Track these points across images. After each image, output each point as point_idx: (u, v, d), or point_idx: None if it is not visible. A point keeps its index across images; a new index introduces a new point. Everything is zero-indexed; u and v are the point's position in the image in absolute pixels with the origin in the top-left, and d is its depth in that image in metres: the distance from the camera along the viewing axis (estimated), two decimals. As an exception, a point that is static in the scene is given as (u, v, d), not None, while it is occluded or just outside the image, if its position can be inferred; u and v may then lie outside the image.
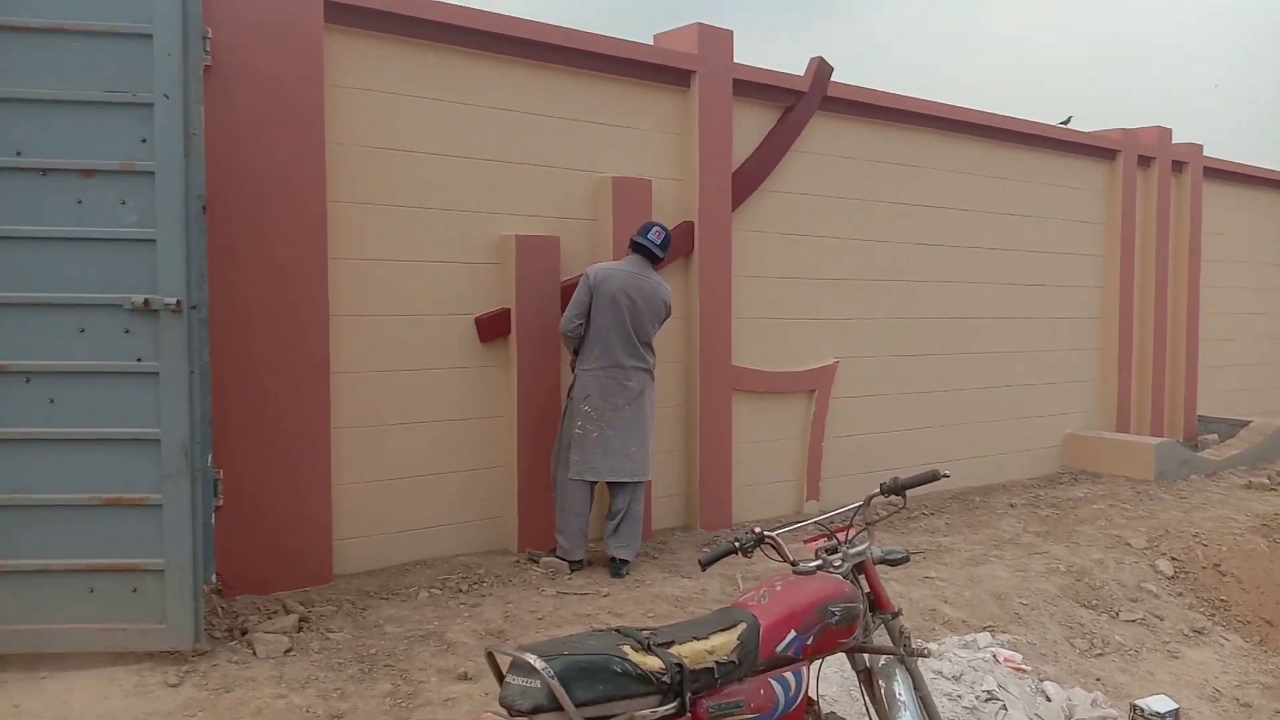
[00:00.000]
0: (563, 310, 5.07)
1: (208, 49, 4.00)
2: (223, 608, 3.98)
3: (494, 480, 5.16)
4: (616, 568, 4.88)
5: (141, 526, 3.45)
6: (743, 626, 2.24)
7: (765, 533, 2.55)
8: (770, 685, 2.26)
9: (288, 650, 3.66)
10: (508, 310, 5.11)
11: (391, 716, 3.24)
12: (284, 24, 4.29)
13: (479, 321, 5.07)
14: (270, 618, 3.95)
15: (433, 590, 4.47)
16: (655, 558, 5.21)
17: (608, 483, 4.93)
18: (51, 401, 3.41)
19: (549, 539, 5.05)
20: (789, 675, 2.31)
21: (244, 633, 3.79)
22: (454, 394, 5.01)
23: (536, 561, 4.91)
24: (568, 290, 5.15)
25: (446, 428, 4.99)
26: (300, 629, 3.87)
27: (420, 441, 4.89)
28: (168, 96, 3.37)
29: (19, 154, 3.35)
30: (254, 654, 3.62)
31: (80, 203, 3.38)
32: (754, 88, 6.02)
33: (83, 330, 3.40)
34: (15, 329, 3.38)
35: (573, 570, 4.86)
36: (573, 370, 5.04)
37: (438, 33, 4.84)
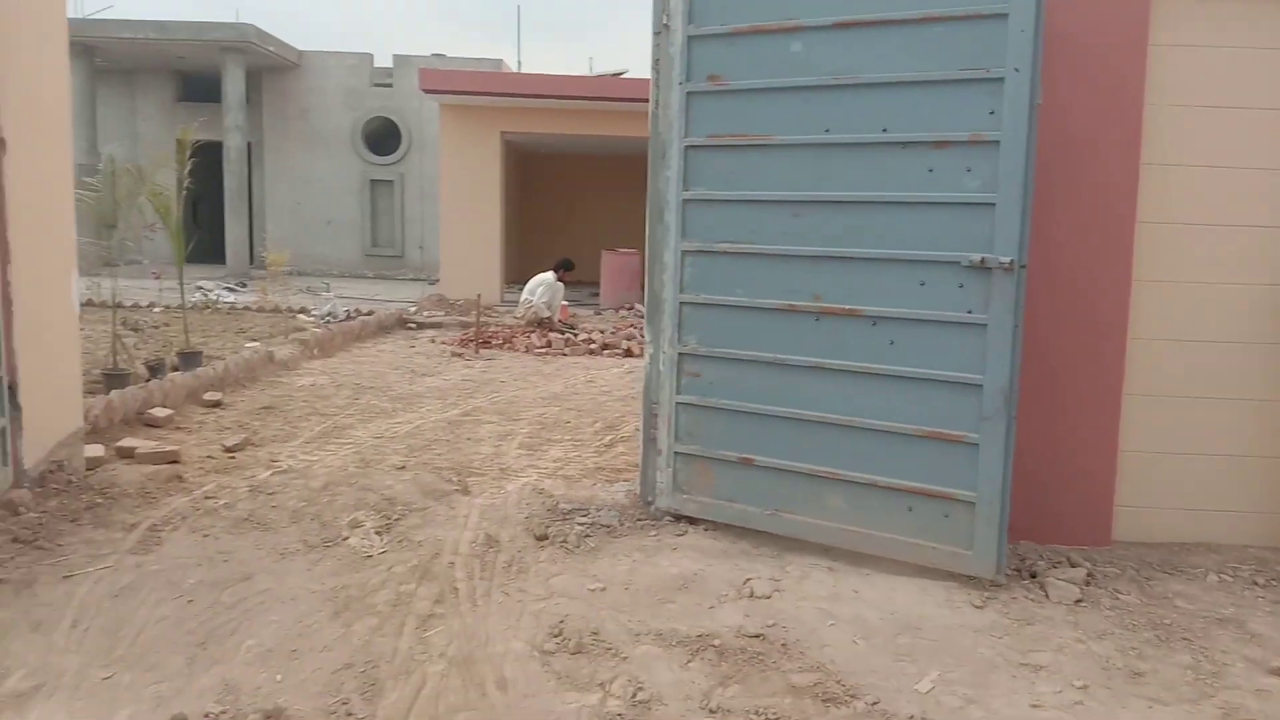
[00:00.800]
0: None
1: (1038, 20, 4.21)
2: (1008, 548, 4.27)
3: (1300, 472, 4.62)
4: None
5: (957, 460, 3.87)
6: None
7: None
8: None
9: (1078, 600, 3.80)
10: (1337, 282, 4.49)
11: (1194, 689, 3.17)
12: (1115, -12, 4.30)
13: (1298, 294, 4.55)
14: (1055, 566, 4.13)
15: (1222, 575, 4.21)
16: None
17: None
18: (891, 343, 3.99)
19: (1369, 548, 4.38)
20: None
21: (1033, 575, 4.03)
22: (1262, 372, 4.58)
23: (1353, 571, 4.29)
24: None
25: (1249, 408, 4.59)
26: (1088, 583, 3.97)
27: (1218, 419, 4.58)
28: (1018, 70, 3.65)
29: (884, 130, 3.95)
30: (1046, 596, 3.83)
31: (931, 171, 3.86)
32: None
33: (922, 284, 3.90)
34: (868, 280, 4.02)
35: (1403, 590, 4.15)
36: None
37: (1283, -27, 4.39)
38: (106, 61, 21.01)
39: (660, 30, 4.33)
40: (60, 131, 5.13)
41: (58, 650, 3.21)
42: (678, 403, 4.46)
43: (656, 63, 4.35)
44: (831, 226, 4.06)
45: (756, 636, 3.38)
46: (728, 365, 4.34)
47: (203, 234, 20.50)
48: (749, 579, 3.85)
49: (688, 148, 4.30)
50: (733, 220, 4.27)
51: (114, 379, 7.02)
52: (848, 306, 4.05)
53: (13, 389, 4.38)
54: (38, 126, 4.74)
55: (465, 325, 12.70)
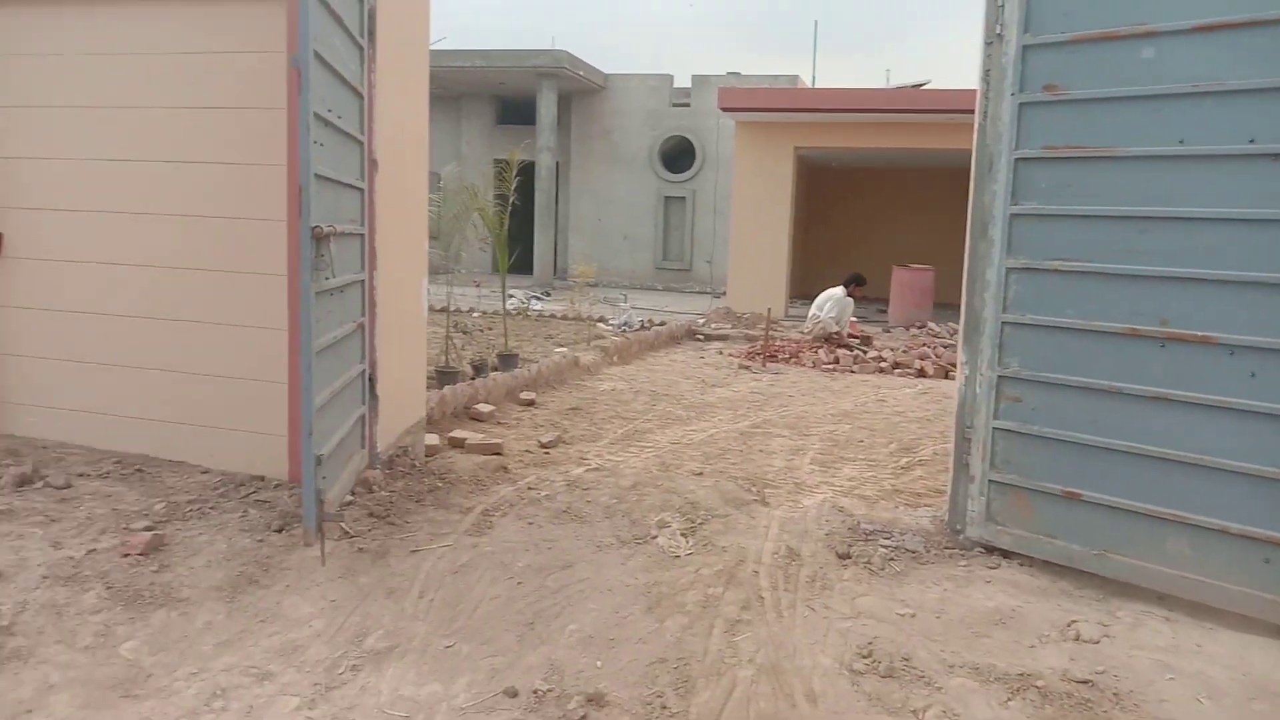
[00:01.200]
0: None
1: None
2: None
3: None
4: None
5: (1332, 511, 3.42)
6: None
7: None
8: None
9: None
10: None
11: None
12: None
13: None
14: None
15: None
16: None
17: None
18: (1252, 375, 3.59)
19: None
20: None
21: None
22: None
23: None
24: None
25: None
26: None
27: None
28: None
29: (1251, 141, 3.56)
30: None
31: (1307, 185, 3.45)
32: None
33: (1293, 310, 3.48)
34: (1226, 305, 3.64)
35: None
36: None
37: None
38: (438, 88, 23.25)
39: (992, 40, 4.16)
40: (419, 154, 5.75)
41: (407, 617, 3.58)
42: (995, 428, 4.26)
43: (986, 73, 4.19)
44: (1184, 245, 3.72)
45: (1084, 682, 3.16)
46: (1053, 391, 4.08)
47: (515, 247, 22.21)
48: (1073, 621, 3.60)
49: (1018, 160, 4.11)
50: (1066, 236, 4.02)
51: (445, 375, 7.76)
52: (1201, 333, 3.69)
53: (372, 380, 4.94)
54: (402, 150, 5.34)
55: (751, 338, 12.84)
